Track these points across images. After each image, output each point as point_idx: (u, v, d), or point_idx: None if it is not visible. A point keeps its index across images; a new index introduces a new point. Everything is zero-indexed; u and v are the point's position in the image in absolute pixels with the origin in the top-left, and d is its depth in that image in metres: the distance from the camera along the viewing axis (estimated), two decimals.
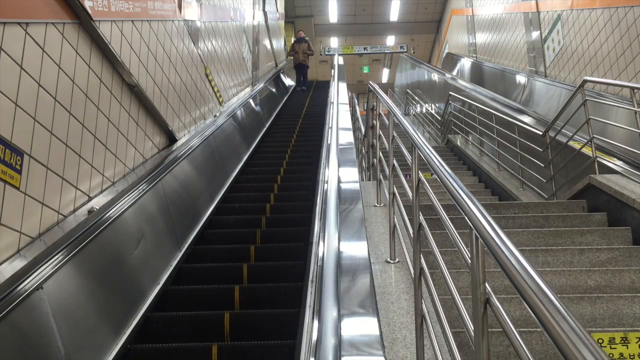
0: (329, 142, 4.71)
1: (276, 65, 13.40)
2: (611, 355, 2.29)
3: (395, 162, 3.17)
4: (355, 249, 2.42)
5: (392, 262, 2.88)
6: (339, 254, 2.18)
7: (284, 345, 2.61)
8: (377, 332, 1.66)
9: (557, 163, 4.88)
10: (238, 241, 4.04)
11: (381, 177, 3.88)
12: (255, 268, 3.52)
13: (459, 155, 7.89)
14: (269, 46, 12.32)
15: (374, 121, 4.66)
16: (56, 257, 2.27)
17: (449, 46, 15.96)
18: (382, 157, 3.90)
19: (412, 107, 14.50)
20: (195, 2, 5.49)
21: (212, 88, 6.05)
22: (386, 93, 7.95)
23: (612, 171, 4.17)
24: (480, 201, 1.45)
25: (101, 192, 3.03)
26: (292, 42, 13.78)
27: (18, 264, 2.12)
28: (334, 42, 21.76)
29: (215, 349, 2.59)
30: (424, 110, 12.61)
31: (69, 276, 2.35)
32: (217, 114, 6.02)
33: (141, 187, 3.30)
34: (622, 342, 2.30)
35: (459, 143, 8.10)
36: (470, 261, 1.34)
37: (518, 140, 5.61)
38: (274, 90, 10.95)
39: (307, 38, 13.59)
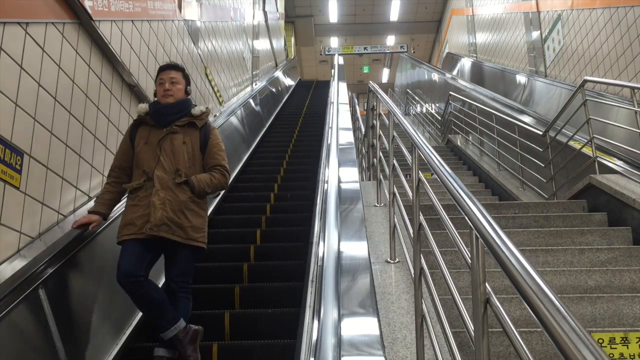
0: (329, 142, 4.71)
1: (276, 65, 13.38)
2: (611, 355, 2.29)
3: (395, 162, 3.17)
4: (356, 248, 2.41)
5: (392, 262, 2.88)
6: (339, 254, 2.18)
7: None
8: (377, 332, 1.66)
9: (557, 163, 4.88)
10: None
11: (381, 177, 3.88)
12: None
13: (459, 155, 7.89)
14: (268, 46, 12.32)
15: (374, 121, 4.65)
16: (56, 257, 2.27)
17: (449, 46, 15.96)
18: (382, 157, 3.90)
19: (412, 107, 14.49)
20: (195, 2, 5.49)
21: (212, 88, 6.05)
22: (386, 93, 7.96)
23: (612, 171, 4.17)
24: (480, 201, 1.45)
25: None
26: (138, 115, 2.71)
27: (18, 263, 2.11)
28: (334, 42, 21.78)
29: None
30: (424, 110, 12.61)
31: (69, 276, 2.35)
32: (217, 114, 6.02)
33: None
34: (623, 342, 2.30)
35: (459, 143, 8.10)
36: (470, 261, 1.34)
37: (518, 140, 5.61)
38: (273, 90, 10.96)
39: (206, 108, 2.69)
